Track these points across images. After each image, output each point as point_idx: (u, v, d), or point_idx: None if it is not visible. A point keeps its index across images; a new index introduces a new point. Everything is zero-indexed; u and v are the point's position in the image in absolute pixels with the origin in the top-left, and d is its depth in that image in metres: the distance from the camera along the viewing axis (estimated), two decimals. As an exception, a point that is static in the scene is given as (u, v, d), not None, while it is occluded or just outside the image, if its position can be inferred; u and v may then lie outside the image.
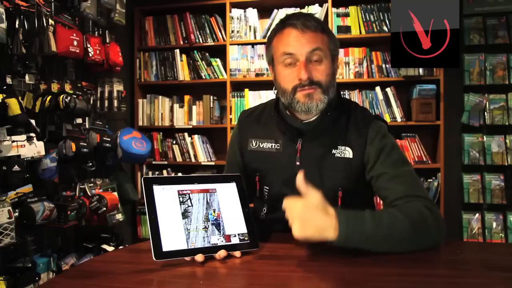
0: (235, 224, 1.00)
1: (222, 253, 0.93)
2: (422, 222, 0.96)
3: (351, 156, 1.14)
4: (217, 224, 0.98)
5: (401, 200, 1.03)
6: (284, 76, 1.13)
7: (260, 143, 1.23)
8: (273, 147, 1.21)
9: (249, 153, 1.25)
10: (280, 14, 3.16)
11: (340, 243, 0.89)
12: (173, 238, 0.91)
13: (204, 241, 0.94)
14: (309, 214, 0.88)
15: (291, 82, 1.12)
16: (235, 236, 0.98)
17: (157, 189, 0.95)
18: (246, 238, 0.99)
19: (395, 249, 0.94)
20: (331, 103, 1.16)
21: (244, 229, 1.00)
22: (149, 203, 0.93)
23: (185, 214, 0.95)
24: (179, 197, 0.97)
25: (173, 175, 3.36)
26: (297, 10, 3.14)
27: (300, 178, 0.91)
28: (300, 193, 0.92)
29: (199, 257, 0.91)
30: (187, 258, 0.92)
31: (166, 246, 0.90)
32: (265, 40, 1.25)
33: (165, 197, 0.95)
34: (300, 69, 1.09)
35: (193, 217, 0.96)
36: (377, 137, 1.13)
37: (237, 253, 0.96)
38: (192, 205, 0.97)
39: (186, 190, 0.98)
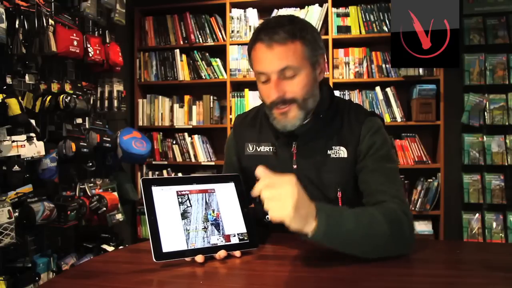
0: (235, 224, 1.00)
1: (222, 253, 0.93)
2: (399, 227, 0.93)
3: (346, 156, 1.13)
4: (217, 224, 0.98)
5: (376, 196, 1.02)
6: (262, 91, 1.12)
7: (256, 147, 1.23)
8: (270, 150, 1.20)
9: (246, 158, 1.24)
10: (280, 14, 3.16)
11: (317, 237, 0.82)
12: (172, 239, 0.91)
13: (204, 241, 0.94)
14: (302, 197, 0.80)
15: (268, 99, 1.09)
16: (234, 236, 0.98)
17: (156, 190, 0.95)
18: (245, 238, 0.99)
19: (368, 253, 0.89)
20: (322, 105, 1.15)
21: (243, 229, 1.00)
22: (148, 204, 0.93)
23: (184, 215, 0.95)
24: (178, 198, 0.97)
25: (173, 175, 3.36)
26: (297, 10, 3.14)
27: (260, 170, 0.84)
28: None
29: (199, 258, 0.91)
30: (187, 259, 0.91)
31: (166, 247, 0.90)
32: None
33: (164, 198, 0.95)
34: (271, 89, 1.05)
35: (192, 217, 0.96)
36: (369, 133, 1.13)
37: (237, 253, 0.96)
38: (191, 206, 0.97)
39: (185, 191, 0.98)
